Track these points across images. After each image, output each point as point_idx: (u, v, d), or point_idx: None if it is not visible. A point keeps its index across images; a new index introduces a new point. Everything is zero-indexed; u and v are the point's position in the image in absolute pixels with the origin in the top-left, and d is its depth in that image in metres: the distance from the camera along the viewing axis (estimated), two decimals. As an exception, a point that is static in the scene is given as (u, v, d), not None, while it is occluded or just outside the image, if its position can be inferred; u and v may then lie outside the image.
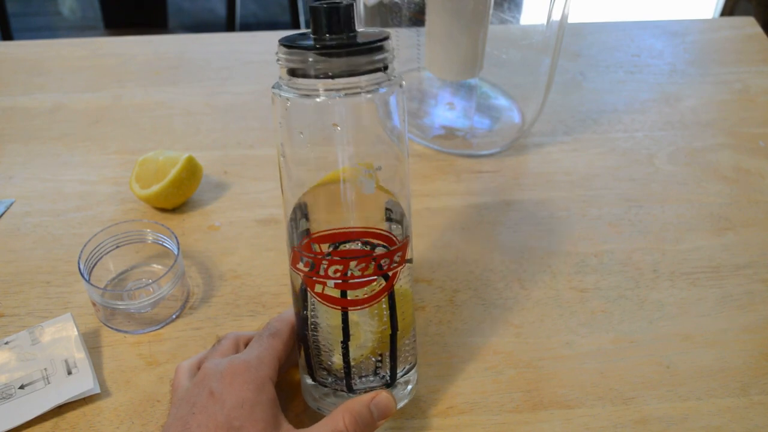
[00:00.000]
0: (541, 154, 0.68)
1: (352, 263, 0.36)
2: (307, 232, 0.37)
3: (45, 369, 0.45)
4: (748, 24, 0.89)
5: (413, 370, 0.42)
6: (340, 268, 0.36)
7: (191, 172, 0.59)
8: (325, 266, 0.36)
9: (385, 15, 0.64)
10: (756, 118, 0.73)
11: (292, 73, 0.34)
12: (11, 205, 0.61)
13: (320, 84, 0.33)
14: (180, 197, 0.59)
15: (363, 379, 0.40)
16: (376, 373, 0.40)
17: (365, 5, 0.65)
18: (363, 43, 0.33)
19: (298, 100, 0.34)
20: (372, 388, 0.40)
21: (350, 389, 0.40)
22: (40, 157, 0.67)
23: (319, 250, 0.36)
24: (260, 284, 0.54)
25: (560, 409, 0.45)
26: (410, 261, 0.39)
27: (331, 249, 0.36)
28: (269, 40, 0.87)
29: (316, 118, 0.35)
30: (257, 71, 0.80)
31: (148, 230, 0.53)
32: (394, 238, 0.37)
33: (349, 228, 0.36)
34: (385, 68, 0.34)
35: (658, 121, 0.72)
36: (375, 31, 0.35)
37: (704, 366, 0.48)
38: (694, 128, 0.71)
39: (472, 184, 0.64)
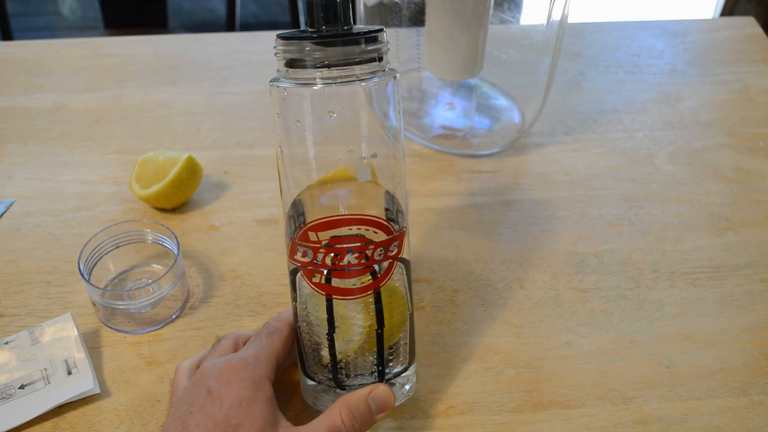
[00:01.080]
0: (541, 154, 0.68)
1: (349, 252, 0.36)
2: (305, 223, 0.37)
3: (45, 369, 0.45)
4: (748, 24, 0.89)
5: (408, 372, 0.42)
6: (336, 256, 0.37)
7: (191, 172, 0.59)
8: (322, 255, 0.37)
9: (385, 15, 0.64)
10: (756, 118, 0.73)
11: (290, 64, 0.35)
12: (11, 205, 0.61)
13: (316, 73, 0.34)
14: (180, 197, 0.59)
15: (352, 376, 0.40)
16: (365, 371, 0.40)
17: (365, 5, 0.65)
18: (358, 33, 0.35)
19: (295, 90, 0.35)
20: (362, 386, 0.39)
21: (339, 386, 0.40)
22: (40, 157, 0.67)
23: (316, 239, 0.37)
24: (260, 284, 0.54)
25: (560, 409, 0.45)
26: (405, 262, 0.40)
27: (328, 238, 0.37)
28: (269, 40, 0.87)
29: (312, 106, 0.35)
30: (257, 71, 0.80)
31: (148, 230, 0.53)
32: (391, 227, 0.37)
33: (346, 215, 0.37)
34: (380, 59, 0.36)
35: (658, 121, 0.72)
36: (371, 27, 0.36)
37: (704, 366, 0.48)
38: (694, 128, 0.71)
39: (472, 184, 0.64)
